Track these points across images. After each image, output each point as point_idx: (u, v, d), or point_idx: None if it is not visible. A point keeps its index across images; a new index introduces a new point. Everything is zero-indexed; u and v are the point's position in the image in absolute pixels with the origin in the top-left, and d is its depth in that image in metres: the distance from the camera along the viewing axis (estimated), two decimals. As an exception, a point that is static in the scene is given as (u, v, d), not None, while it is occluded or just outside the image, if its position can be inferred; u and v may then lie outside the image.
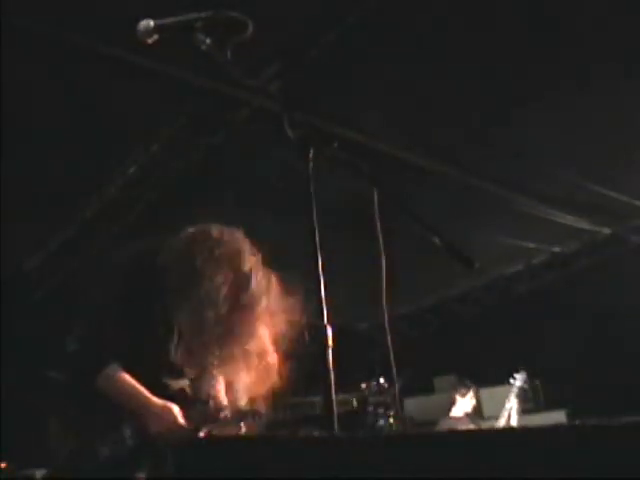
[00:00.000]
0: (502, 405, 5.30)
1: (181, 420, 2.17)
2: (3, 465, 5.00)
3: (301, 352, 2.18)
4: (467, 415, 5.23)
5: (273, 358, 2.27)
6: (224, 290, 2.15)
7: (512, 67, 3.67)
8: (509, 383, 5.32)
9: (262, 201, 4.75)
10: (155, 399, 2.20)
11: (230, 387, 2.35)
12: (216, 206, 4.67)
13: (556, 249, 6.47)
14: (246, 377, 2.29)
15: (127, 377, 2.20)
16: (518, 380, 5.26)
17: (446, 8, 3.23)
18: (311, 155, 1.68)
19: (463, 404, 5.22)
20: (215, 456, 1.41)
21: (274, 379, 2.25)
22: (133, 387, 2.20)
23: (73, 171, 4.28)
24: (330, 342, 1.56)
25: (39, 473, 4.92)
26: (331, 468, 1.21)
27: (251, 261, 2.22)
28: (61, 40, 3.06)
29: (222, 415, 2.25)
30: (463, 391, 5.27)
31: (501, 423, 5.06)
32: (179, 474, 1.70)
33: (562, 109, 4.10)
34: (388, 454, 1.16)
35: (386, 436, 1.23)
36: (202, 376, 2.30)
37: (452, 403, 5.27)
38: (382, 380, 2.76)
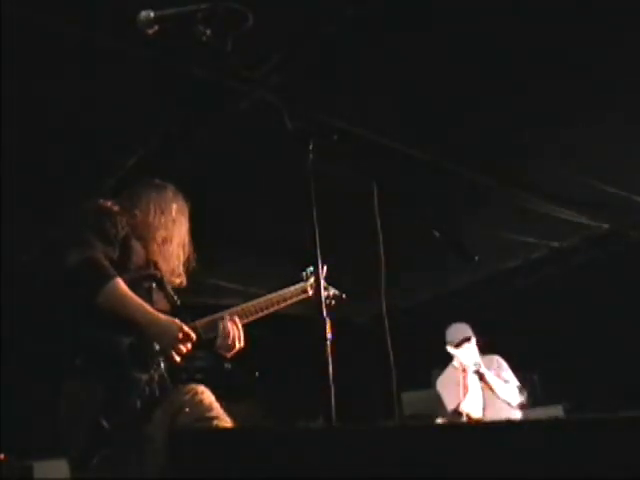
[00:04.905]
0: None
1: (187, 329, 2.28)
2: (2, 457, 5.00)
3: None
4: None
5: None
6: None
7: (511, 63, 3.67)
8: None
9: (263, 194, 4.75)
10: (160, 314, 2.25)
11: None
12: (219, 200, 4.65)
13: (555, 244, 6.46)
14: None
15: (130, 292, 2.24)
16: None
17: (448, 5, 3.22)
18: (310, 147, 1.68)
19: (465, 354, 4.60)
20: (209, 448, 1.41)
21: None
22: (139, 301, 2.24)
23: (71, 168, 4.26)
24: (329, 334, 1.57)
25: (37, 465, 4.93)
26: (330, 460, 1.21)
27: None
28: (58, 32, 3.05)
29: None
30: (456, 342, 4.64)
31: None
32: (173, 467, 1.70)
33: (562, 105, 4.10)
34: (387, 445, 1.16)
35: (386, 428, 1.23)
36: None
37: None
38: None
